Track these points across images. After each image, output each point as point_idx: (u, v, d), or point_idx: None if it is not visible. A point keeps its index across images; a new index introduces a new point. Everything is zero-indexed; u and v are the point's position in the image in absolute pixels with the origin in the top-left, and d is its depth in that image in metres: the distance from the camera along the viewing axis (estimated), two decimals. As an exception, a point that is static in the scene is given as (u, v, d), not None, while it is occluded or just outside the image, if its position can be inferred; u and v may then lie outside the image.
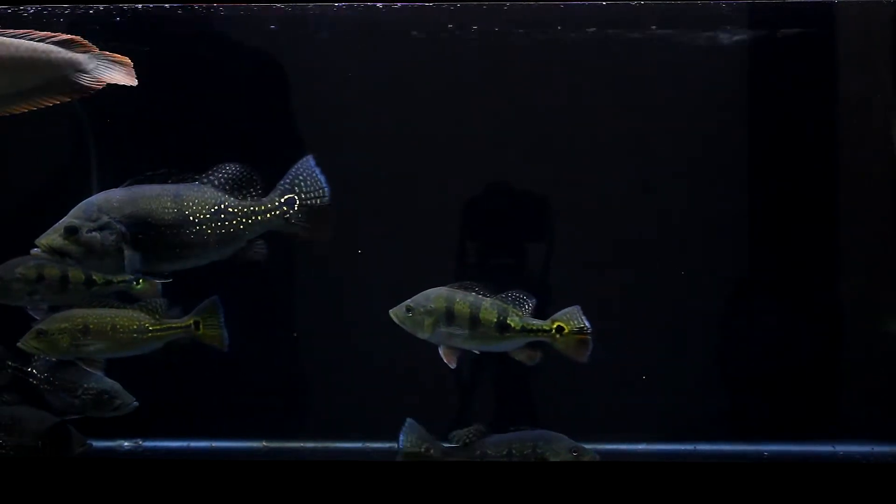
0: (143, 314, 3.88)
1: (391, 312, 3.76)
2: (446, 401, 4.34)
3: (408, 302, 3.75)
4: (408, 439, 3.76)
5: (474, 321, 3.72)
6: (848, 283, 4.38)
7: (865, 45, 4.34)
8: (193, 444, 4.22)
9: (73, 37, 3.16)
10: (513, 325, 3.73)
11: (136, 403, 3.99)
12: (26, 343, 3.85)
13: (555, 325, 3.70)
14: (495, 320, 3.73)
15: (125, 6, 4.03)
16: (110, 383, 4.00)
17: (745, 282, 4.44)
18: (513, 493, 3.54)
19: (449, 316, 3.73)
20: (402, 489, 3.59)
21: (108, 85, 3.31)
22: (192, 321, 3.89)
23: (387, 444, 4.13)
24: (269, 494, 3.57)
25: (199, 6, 4.08)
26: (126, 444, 4.17)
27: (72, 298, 3.97)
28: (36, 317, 3.96)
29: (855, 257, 4.38)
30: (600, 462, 3.73)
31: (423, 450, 3.75)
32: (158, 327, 3.88)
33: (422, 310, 3.74)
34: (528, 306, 3.75)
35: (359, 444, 4.23)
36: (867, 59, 4.34)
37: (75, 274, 3.98)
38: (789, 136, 4.35)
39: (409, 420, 3.79)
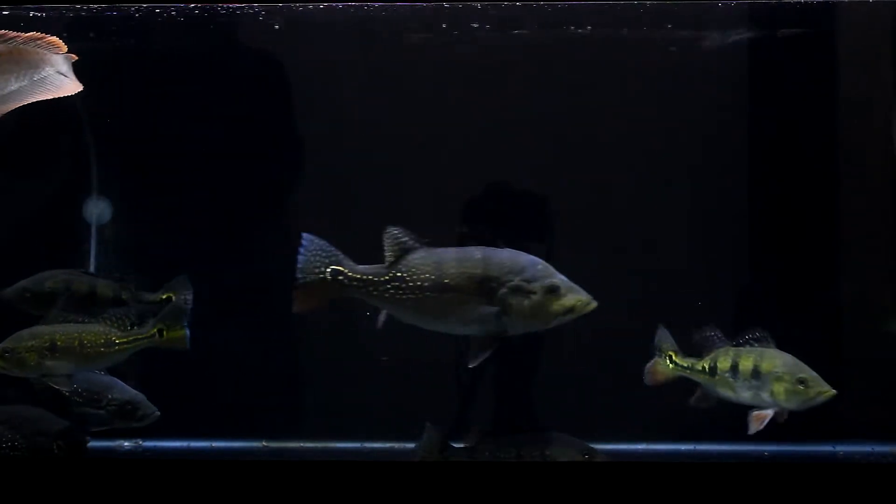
0: (109, 328, 3.89)
1: None
2: (446, 401, 4.34)
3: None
4: (425, 442, 3.76)
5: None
6: (848, 283, 4.38)
7: (866, 45, 4.34)
8: (193, 444, 4.22)
9: (47, 37, 3.13)
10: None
11: (158, 413, 4.00)
12: None
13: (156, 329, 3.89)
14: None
15: (122, 6, 4.03)
16: (134, 394, 4.01)
17: (746, 281, 4.44)
18: (512, 493, 3.54)
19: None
20: (403, 489, 3.59)
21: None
22: (155, 329, 3.90)
23: (387, 445, 4.14)
24: (269, 494, 3.57)
25: (196, 6, 4.08)
26: (126, 444, 4.17)
27: (99, 314, 3.99)
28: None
29: (856, 257, 4.38)
30: (600, 462, 3.73)
31: (439, 452, 3.75)
32: (125, 340, 3.89)
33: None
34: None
35: (357, 444, 4.23)
36: (867, 59, 4.34)
37: (103, 290, 4.00)
38: (789, 137, 4.35)
39: (427, 424, 3.79)
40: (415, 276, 3.66)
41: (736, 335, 3.84)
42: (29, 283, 4.04)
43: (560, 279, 3.63)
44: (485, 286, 3.63)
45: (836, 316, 4.36)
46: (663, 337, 3.89)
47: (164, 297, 4.06)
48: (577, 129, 4.36)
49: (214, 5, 4.04)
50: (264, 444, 4.27)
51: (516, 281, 3.62)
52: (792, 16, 4.22)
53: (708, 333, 3.84)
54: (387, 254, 3.72)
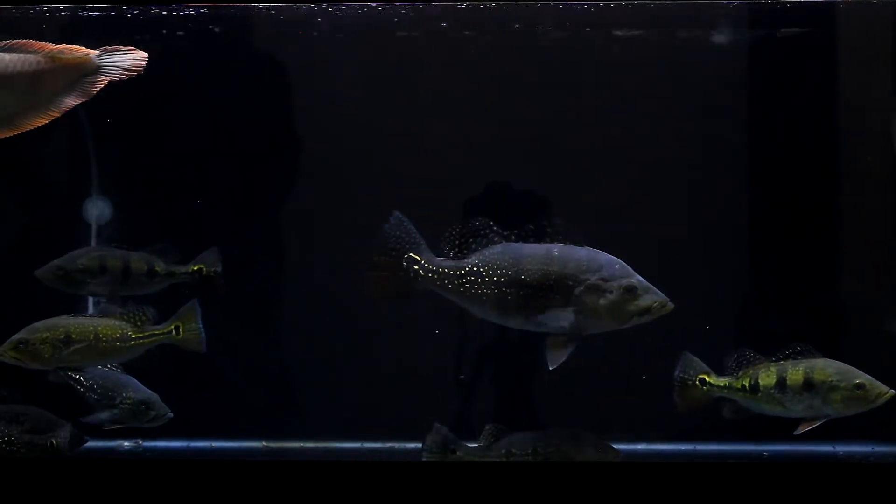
0: (125, 323, 3.88)
1: None
2: (447, 400, 4.34)
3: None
4: (433, 441, 3.76)
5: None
6: (848, 283, 4.38)
7: (865, 45, 4.34)
8: (193, 444, 4.22)
9: (70, 46, 3.14)
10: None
11: (171, 415, 4.00)
12: (4, 353, 3.80)
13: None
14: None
15: (123, 6, 4.03)
16: (148, 394, 4.01)
17: (746, 282, 4.44)
18: (511, 493, 3.54)
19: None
20: (405, 489, 3.59)
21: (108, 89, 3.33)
22: (172, 326, 3.90)
23: (387, 444, 4.14)
24: (269, 494, 3.57)
25: (196, 6, 4.08)
26: (126, 444, 4.17)
27: (134, 289, 4.01)
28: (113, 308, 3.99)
29: (856, 257, 4.38)
30: (600, 462, 3.73)
31: (448, 451, 3.74)
32: (141, 335, 3.88)
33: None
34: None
35: (357, 444, 4.23)
36: (867, 59, 4.34)
37: (137, 265, 4.01)
38: (788, 137, 4.35)
39: (434, 423, 3.79)
40: (491, 271, 3.59)
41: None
42: (62, 262, 4.03)
43: (637, 279, 3.56)
44: (561, 284, 3.57)
45: (836, 316, 4.36)
46: (689, 363, 3.78)
47: (195, 268, 4.08)
48: (578, 130, 4.36)
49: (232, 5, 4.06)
50: (264, 444, 4.27)
51: (593, 279, 3.55)
52: (792, 16, 4.22)
53: (742, 353, 3.78)
54: (463, 246, 3.65)
